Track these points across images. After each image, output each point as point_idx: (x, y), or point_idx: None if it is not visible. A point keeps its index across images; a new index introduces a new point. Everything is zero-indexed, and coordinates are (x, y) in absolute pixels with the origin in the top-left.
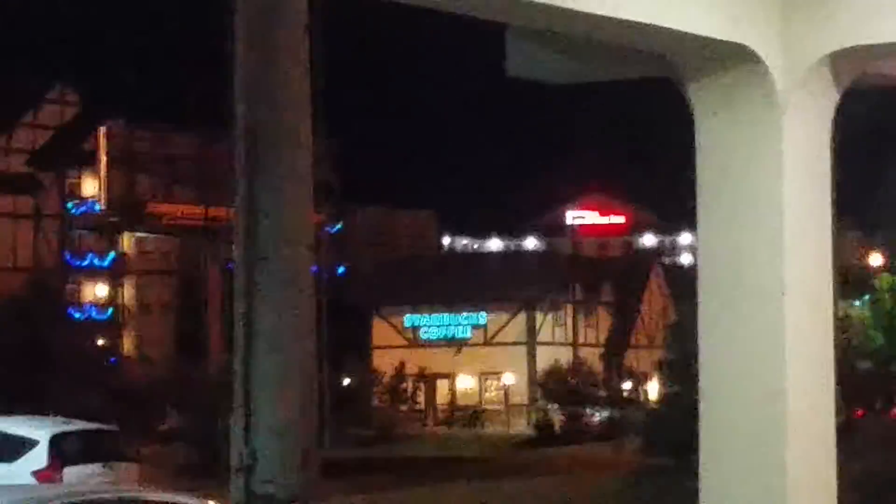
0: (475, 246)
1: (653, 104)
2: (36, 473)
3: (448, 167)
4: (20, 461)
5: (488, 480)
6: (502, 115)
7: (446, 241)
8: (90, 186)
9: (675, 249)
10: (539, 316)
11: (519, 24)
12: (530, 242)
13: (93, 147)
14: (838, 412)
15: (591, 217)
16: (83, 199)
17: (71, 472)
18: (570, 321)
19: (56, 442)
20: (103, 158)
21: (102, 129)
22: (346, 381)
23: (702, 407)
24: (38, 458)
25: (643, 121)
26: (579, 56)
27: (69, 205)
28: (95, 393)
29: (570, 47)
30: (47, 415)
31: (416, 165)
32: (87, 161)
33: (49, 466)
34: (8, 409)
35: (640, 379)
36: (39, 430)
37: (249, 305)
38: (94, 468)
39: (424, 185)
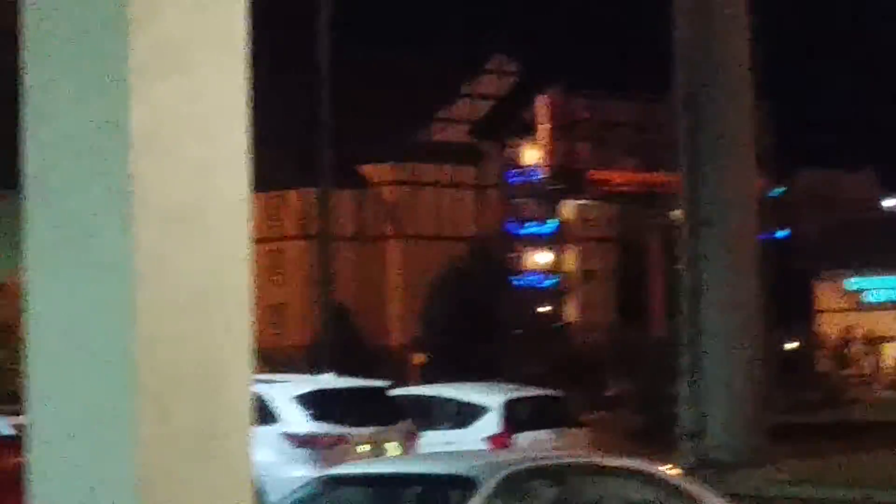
0: None
1: None
2: (489, 439)
3: (890, 126)
4: (473, 427)
5: None
6: None
7: (889, 201)
8: (530, 155)
9: None
10: None
11: None
12: None
13: (531, 116)
14: None
15: None
16: (523, 168)
17: (521, 438)
18: None
19: (508, 408)
20: (544, 126)
21: (543, 98)
22: (791, 346)
23: None
24: (490, 424)
25: None
26: None
27: (509, 173)
28: (541, 359)
29: None
30: (496, 381)
31: (857, 125)
32: (527, 130)
33: (501, 432)
34: (458, 376)
35: None
36: (491, 397)
37: (695, 270)
38: (543, 434)
39: (865, 144)
